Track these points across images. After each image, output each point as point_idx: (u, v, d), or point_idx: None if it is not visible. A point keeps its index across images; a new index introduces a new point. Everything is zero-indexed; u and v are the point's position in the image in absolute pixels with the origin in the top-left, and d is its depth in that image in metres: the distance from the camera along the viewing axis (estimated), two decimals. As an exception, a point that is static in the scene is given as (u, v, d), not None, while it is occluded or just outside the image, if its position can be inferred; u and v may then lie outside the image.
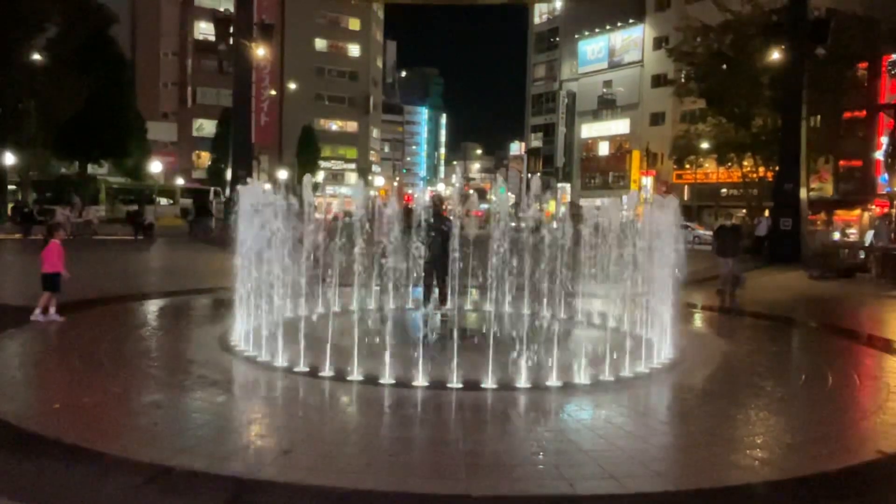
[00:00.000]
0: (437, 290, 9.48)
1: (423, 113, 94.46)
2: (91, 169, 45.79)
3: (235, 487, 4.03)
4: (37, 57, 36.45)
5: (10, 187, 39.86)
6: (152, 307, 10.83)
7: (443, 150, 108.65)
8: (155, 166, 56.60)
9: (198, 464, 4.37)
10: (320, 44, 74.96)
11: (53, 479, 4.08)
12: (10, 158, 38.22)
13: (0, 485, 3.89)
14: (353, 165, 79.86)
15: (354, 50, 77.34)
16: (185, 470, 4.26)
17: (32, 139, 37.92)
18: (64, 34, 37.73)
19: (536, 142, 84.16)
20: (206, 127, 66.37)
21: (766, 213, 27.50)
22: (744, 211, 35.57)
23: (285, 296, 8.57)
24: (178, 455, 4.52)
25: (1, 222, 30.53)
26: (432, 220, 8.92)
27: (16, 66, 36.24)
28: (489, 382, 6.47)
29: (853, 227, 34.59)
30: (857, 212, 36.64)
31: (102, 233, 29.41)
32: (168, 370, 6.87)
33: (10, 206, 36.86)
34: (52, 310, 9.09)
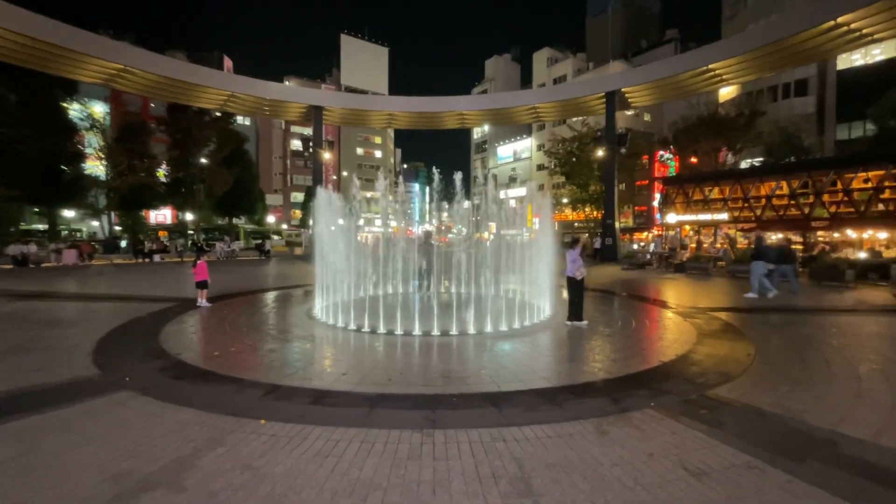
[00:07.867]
0: (426, 280, 9.43)
1: (416, 186, 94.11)
2: (235, 221, 44.62)
3: (316, 395, 3.96)
4: (204, 160, 35.42)
5: (190, 232, 38.88)
6: (268, 296, 10.57)
7: (427, 206, 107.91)
8: (270, 218, 55.34)
9: (295, 383, 4.29)
10: (359, 150, 74.04)
11: (214, 394, 3.96)
12: (189, 216, 37.69)
13: (186, 399, 3.78)
14: (378, 216, 78.80)
15: (378, 153, 76.62)
16: (287, 386, 4.17)
17: (202, 205, 36.85)
18: (218, 147, 36.76)
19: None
20: (298, 197, 65.30)
21: (598, 235, 27.87)
22: (587, 234, 36.00)
23: (343, 286, 8.44)
24: (284, 378, 4.43)
25: (186, 252, 29.54)
26: (424, 241, 8.92)
27: (193, 165, 35.32)
28: (453, 331, 6.44)
29: (643, 241, 35.21)
30: (645, 234, 37.44)
31: (242, 256, 28.65)
32: (277, 331, 6.70)
33: (190, 242, 35.79)
34: (204, 300, 8.78)
